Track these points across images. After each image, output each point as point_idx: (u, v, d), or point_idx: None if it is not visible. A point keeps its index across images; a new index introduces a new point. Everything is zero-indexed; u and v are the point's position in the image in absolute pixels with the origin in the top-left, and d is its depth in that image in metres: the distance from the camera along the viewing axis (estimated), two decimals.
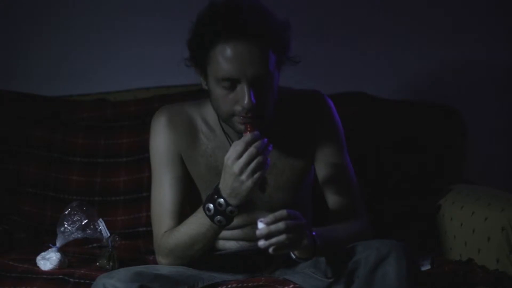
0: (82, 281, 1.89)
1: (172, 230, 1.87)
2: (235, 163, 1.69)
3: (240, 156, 1.69)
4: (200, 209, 1.78)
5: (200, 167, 1.95)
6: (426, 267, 2.07)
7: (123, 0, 2.69)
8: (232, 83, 1.76)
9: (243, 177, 1.69)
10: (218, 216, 1.75)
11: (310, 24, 2.71)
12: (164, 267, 1.82)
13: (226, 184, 1.72)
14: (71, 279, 1.90)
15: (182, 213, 1.91)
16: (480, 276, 1.96)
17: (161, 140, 1.95)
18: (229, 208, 1.74)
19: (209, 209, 1.75)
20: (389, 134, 2.47)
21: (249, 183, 1.69)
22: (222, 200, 1.73)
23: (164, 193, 1.92)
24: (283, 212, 1.67)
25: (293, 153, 1.94)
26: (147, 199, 2.03)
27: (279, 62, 1.81)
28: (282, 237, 1.66)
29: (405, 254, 1.70)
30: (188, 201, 1.97)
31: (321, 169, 1.96)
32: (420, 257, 2.12)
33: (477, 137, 2.61)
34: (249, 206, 1.89)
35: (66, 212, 2.03)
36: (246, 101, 1.75)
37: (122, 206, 2.36)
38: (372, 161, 2.43)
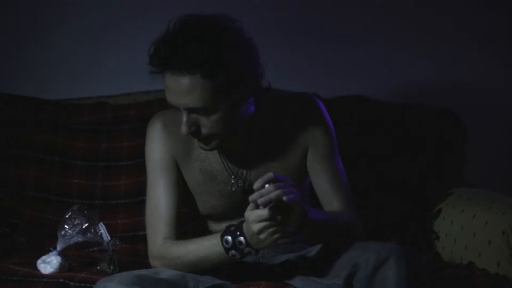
0: (82, 284, 1.89)
1: (178, 242, 1.87)
2: (255, 224, 1.66)
3: (262, 220, 1.66)
4: (217, 236, 1.76)
5: (194, 171, 1.96)
6: (423, 262, 2.07)
7: (124, 3, 2.69)
8: (177, 108, 1.81)
9: (262, 236, 1.67)
10: (233, 251, 1.74)
11: (308, 28, 2.72)
12: (164, 271, 1.82)
13: (247, 231, 1.70)
14: (71, 283, 1.89)
15: (177, 219, 1.92)
16: (480, 280, 1.96)
17: (156, 146, 1.97)
18: (248, 249, 1.72)
19: (226, 242, 1.74)
20: (389, 137, 2.47)
21: (266, 242, 1.68)
22: (243, 239, 1.71)
23: (159, 199, 1.93)
24: (270, 175, 1.68)
25: (286, 156, 1.96)
26: None
27: (228, 92, 1.78)
28: (273, 194, 1.65)
29: (404, 258, 1.71)
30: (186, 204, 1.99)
31: (313, 169, 1.97)
32: (420, 259, 2.13)
33: (477, 140, 2.61)
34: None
35: (66, 216, 2.03)
36: (181, 128, 1.80)
37: (123, 210, 2.37)
38: (372, 164, 2.43)
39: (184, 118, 1.79)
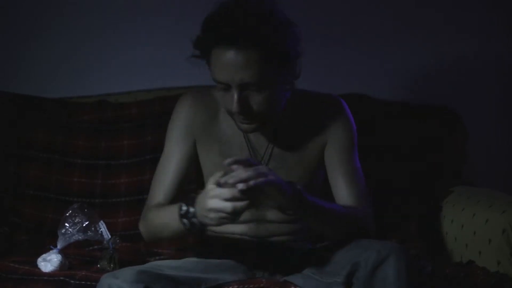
0: (83, 282, 1.88)
1: (158, 207, 1.93)
2: (212, 200, 1.69)
3: (218, 197, 1.68)
4: (180, 204, 1.81)
5: (213, 152, 1.98)
6: (426, 270, 2.08)
7: (124, 1, 2.69)
8: (226, 86, 1.80)
9: (210, 215, 1.71)
10: (185, 220, 1.78)
11: (309, 26, 2.69)
12: (168, 266, 1.83)
13: (198, 203, 1.75)
14: (72, 281, 1.89)
15: (178, 193, 1.96)
16: (480, 278, 1.96)
17: (180, 120, 1.99)
18: (194, 220, 1.77)
19: (181, 209, 1.78)
20: (389, 136, 2.47)
21: (209, 222, 1.73)
22: (192, 210, 1.77)
23: (168, 169, 1.98)
24: (243, 158, 1.72)
25: (305, 152, 1.97)
26: None
27: (279, 69, 1.81)
28: (244, 175, 1.66)
29: (405, 256, 1.71)
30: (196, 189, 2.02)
31: (329, 164, 1.98)
32: (421, 260, 2.13)
33: (477, 139, 2.61)
34: (260, 200, 1.92)
35: (67, 214, 2.03)
36: (233, 106, 1.80)
37: (123, 208, 2.37)
38: (372, 162, 2.43)
39: (235, 96, 1.79)
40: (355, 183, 1.96)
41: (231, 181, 1.66)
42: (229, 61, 1.76)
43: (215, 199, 1.68)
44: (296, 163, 1.96)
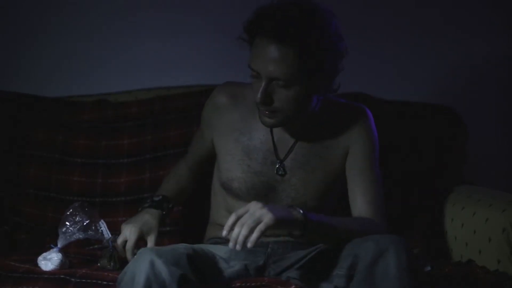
0: (83, 281, 1.89)
1: (173, 170, 2.23)
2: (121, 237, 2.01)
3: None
4: (151, 197, 2.11)
5: (229, 139, 2.03)
6: (426, 269, 2.08)
7: (124, 1, 2.70)
8: (257, 74, 1.86)
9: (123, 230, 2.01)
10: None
11: None
12: (201, 255, 1.86)
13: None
14: (72, 279, 1.89)
15: (195, 158, 2.19)
16: (480, 277, 1.96)
17: (206, 106, 2.12)
18: None
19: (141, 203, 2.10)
20: (389, 135, 2.47)
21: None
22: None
23: (193, 141, 2.21)
24: (232, 217, 1.72)
25: (328, 157, 2.01)
26: None
27: (311, 75, 1.85)
28: (244, 230, 1.69)
29: (405, 248, 1.72)
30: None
31: (349, 172, 2.01)
32: (420, 259, 2.13)
33: (478, 138, 2.61)
34: (270, 198, 1.98)
35: (68, 213, 2.02)
36: (258, 95, 1.86)
37: (123, 207, 2.36)
38: None
39: (262, 86, 1.85)
40: (372, 195, 1.98)
41: (231, 246, 1.70)
42: (265, 52, 1.82)
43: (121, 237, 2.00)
44: (318, 166, 2.00)
